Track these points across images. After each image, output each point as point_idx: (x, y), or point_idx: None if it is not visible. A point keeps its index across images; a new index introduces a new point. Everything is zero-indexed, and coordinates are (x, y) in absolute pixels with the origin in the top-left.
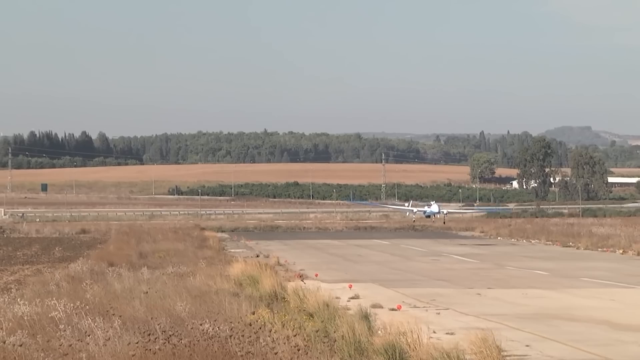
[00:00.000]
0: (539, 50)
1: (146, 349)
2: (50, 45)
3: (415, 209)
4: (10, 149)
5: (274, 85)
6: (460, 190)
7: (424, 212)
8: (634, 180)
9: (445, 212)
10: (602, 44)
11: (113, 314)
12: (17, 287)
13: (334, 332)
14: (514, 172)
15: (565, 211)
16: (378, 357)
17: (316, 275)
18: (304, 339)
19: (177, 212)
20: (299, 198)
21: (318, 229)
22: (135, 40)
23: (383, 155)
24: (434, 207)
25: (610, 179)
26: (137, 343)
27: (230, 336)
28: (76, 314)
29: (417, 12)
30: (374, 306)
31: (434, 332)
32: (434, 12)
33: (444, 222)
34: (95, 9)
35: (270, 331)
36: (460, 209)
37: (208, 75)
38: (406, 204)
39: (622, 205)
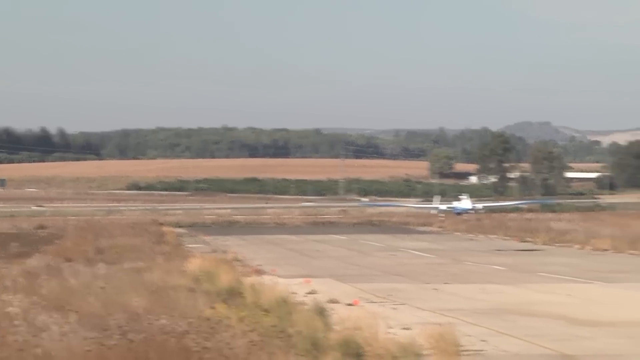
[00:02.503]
0: (498, 46)
1: (102, 345)
2: (7, 39)
3: (443, 206)
4: None
5: (233, 81)
6: (419, 186)
7: (454, 208)
8: (592, 175)
9: (480, 208)
10: (561, 40)
11: (69, 310)
12: None
13: (291, 327)
14: (472, 167)
15: (524, 206)
16: (334, 353)
17: (273, 270)
18: (261, 335)
19: (135, 208)
20: (257, 193)
21: (276, 224)
22: (94, 36)
23: (342, 150)
24: (466, 203)
25: (569, 174)
26: (93, 338)
27: (187, 331)
28: (32, 309)
29: (378, 7)
30: (331, 301)
31: (391, 327)
32: (395, 9)
33: (479, 219)
34: (54, 1)
35: (226, 326)
36: (420, 204)
37: (166, 71)
38: (434, 201)
39: (580, 200)
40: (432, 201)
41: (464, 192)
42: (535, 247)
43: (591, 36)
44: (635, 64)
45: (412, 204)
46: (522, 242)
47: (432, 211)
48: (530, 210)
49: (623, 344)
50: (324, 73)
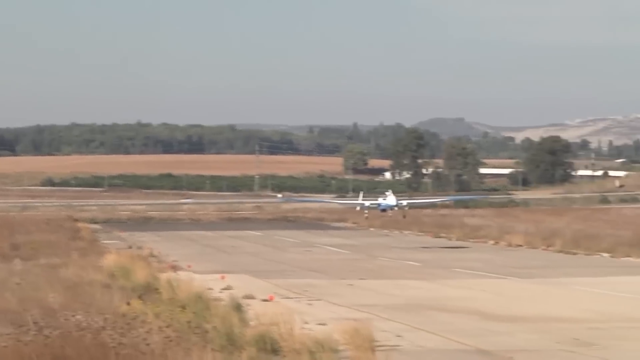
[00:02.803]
0: (410, 42)
1: (18, 341)
2: None
3: (367, 203)
4: None
5: (147, 76)
6: (333, 182)
7: (379, 205)
8: (506, 171)
9: (405, 205)
10: (474, 38)
11: None
12: None
13: (207, 323)
14: (386, 163)
15: (438, 202)
16: (250, 348)
17: (189, 266)
18: (177, 330)
19: (50, 204)
20: (172, 189)
21: (191, 220)
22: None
23: (257, 146)
24: (391, 199)
25: (483, 170)
26: (9, 334)
27: (103, 327)
28: None
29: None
30: (247, 297)
31: (306, 322)
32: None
33: (404, 217)
34: None
35: (143, 322)
36: (344, 200)
37: (79, 66)
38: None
39: (494, 197)
40: (356, 197)
41: (388, 189)
42: (456, 243)
43: (504, 34)
44: (548, 62)
45: (337, 200)
46: (436, 237)
47: (357, 207)
48: (444, 206)
49: (538, 338)
50: (236, 68)
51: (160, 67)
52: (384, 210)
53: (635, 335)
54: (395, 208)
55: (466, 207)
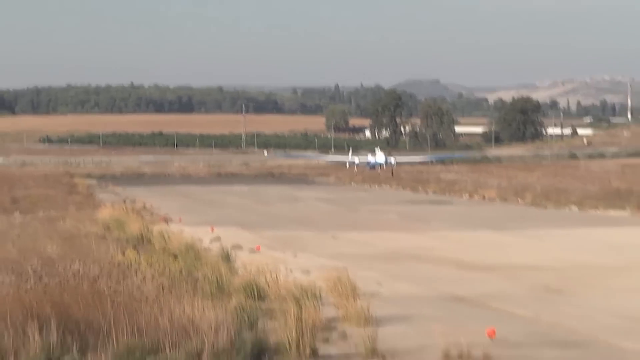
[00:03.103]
0: (388, 7)
1: (19, 288)
2: None
3: (357, 160)
4: None
5: (139, 39)
6: (316, 139)
7: (368, 162)
8: (479, 129)
9: (393, 162)
10: (448, 2)
11: None
12: None
13: (197, 272)
14: (366, 122)
15: (415, 159)
16: (238, 295)
17: (180, 219)
18: (169, 279)
19: (48, 160)
20: (164, 147)
21: (182, 175)
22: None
23: (243, 106)
24: (380, 157)
25: (458, 129)
26: (10, 283)
27: (99, 276)
28: None
29: None
30: (235, 247)
31: (291, 271)
32: None
33: (392, 174)
34: None
35: (136, 271)
36: (335, 158)
37: (75, 30)
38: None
39: (467, 153)
40: (342, 154)
41: (378, 146)
42: (441, 198)
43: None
44: (519, 25)
45: (329, 158)
46: (414, 192)
47: (347, 165)
48: (421, 162)
49: (510, 286)
50: (224, 33)
51: (152, 31)
52: (373, 167)
53: (601, 282)
54: (384, 165)
55: (442, 163)
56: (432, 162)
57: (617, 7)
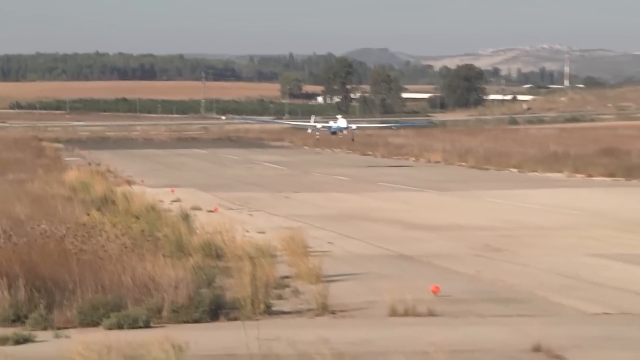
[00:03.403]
0: None
1: None
2: None
3: (319, 125)
4: None
5: (105, 9)
6: (271, 105)
7: (329, 127)
8: (425, 96)
9: (354, 128)
10: None
11: None
12: None
13: (158, 231)
14: (319, 88)
15: (365, 124)
16: (197, 253)
17: (142, 181)
18: (132, 238)
19: (18, 125)
20: (127, 112)
21: (144, 140)
22: None
23: (203, 74)
24: (341, 122)
25: (405, 95)
26: None
27: (65, 235)
28: None
29: None
30: (194, 208)
31: (247, 231)
32: None
33: (353, 139)
34: None
35: (101, 231)
36: (299, 122)
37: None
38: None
39: (415, 118)
40: (297, 119)
41: (339, 114)
42: (388, 161)
43: None
44: None
45: (293, 122)
46: (363, 155)
47: (309, 130)
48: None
49: (453, 245)
50: (185, 3)
51: (117, 1)
52: (334, 132)
53: (539, 242)
54: (345, 131)
55: (391, 128)
56: (393, 128)
57: None
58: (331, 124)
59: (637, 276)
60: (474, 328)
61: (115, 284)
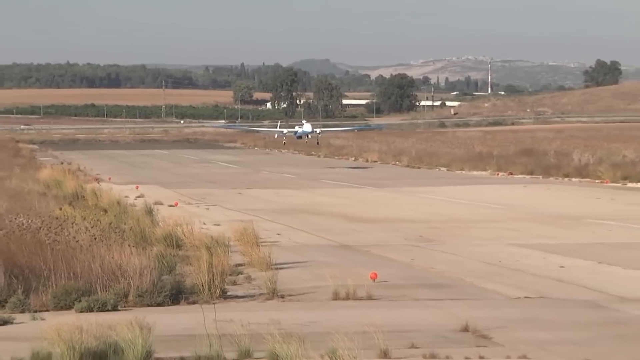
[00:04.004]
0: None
1: None
2: None
3: (285, 130)
4: None
5: (75, 24)
6: (225, 110)
7: (295, 132)
8: (363, 102)
9: (318, 132)
10: None
11: None
12: None
13: (124, 224)
14: (268, 95)
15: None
16: (159, 244)
17: (109, 178)
18: (100, 230)
19: None
20: (95, 116)
21: (111, 141)
22: None
23: (163, 82)
24: (307, 127)
25: (345, 101)
26: None
27: (40, 228)
28: None
29: None
30: (156, 203)
31: (204, 223)
32: None
33: (318, 143)
34: None
35: (72, 224)
36: (225, 125)
37: (20, 14)
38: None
39: (353, 122)
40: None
41: (303, 119)
42: (330, 160)
43: None
44: (397, 12)
45: (263, 128)
46: (308, 155)
47: (276, 135)
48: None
49: (390, 236)
50: (148, 18)
51: (86, 17)
52: (300, 137)
53: (466, 233)
54: (310, 135)
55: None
56: (355, 130)
57: (480, 2)
58: (297, 128)
59: (553, 263)
60: (408, 310)
61: (85, 272)
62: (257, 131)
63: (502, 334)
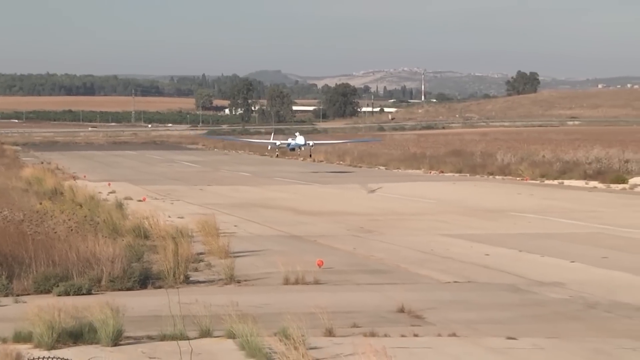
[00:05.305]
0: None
1: None
2: None
3: (277, 142)
4: None
5: (55, 37)
6: (188, 116)
7: (288, 144)
8: (311, 108)
9: (311, 144)
10: (285, 11)
11: None
12: None
13: (98, 217)
14: (226, 102)
15: (263, 130)
16: (129, 234)
17: (84, 176)
18: (76, 222)
19: None
20: (72, 121)
21: (86, 143)
22: None
23: (133, 90)
24: (299, 139)
25: (295, 108)
26: None
27: (23, 220)
28: None
29: None
30: (126, 198)
31: (169, 216)
32: None
33: (310, 155)
34: None
35: (51, 217)
36: (262, 140)
37: (4, 27)
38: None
39: (302, 126)
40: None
41: (296, 131)
42: (281, 160)
43: (308, 8)
44: (341, 28)
45: (255, 139)
46: (261, 155)
47: (269, 147)
48: (267, 133)
49: (334, 227)
50: (120, 33)
51: (64, 31)
52: (292, 149)
53: (402, 224)
54: (302, 148)
55: (283, 133)
56: (347, 143)
57: (412, 19)
58: (289, 140)
59: (479, 252)
60: (351, 294)
61: (63, 259)
62: (250, 142)
63: (434, 314)
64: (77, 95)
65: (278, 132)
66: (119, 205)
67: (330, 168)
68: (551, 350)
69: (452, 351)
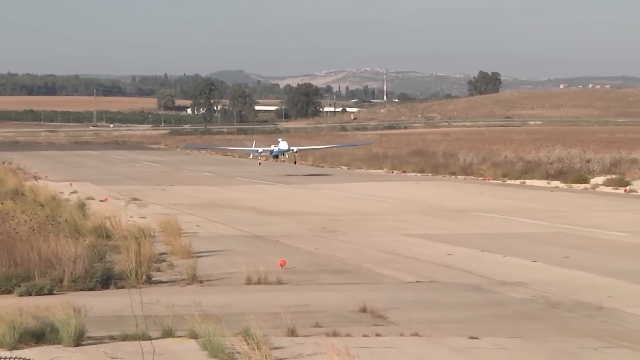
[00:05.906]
0: (207, 12)
1: None
2: None
3: (260, 149)
4: None
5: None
6: (150, 115)
7: (271, 151)
8: (273, 108)
9: (295, 150)
10: (248, 11)
11: None
12: None
13: (59, 217)
14: (189, 102)
15: (225, 130)
16: (90, 235)
17: (46, 176)
18: (38, 222)
19: None
20: (34, 121)
21: (48, 143)
22: None
23: (95, 90)
24: (283, 145)
25: (257, 107)
26: None
27: None
28: None
29: None
30: (88, 198)
31: (131, 216)
32: None
33: (295, 162)
34: None
35: (13, 217)
36: (244, 148)
37: None
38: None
39: (264, 126)
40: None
41: (280, 137)
42: (243, 160)
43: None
44: (303, 29)
45: (236, 147)
46: (224, 155)
47: (251, 155)
48: (229, 133)
49: (297, 227)
50: (81, 32)
51: (24, 30)
52: (276, 156)
53: (365, 224)
54: (287, 154)
55: (245, 133)
56: (332, 148)
57: (374, 19)
58: (272, 147)
59: (441, 251)
60: (313, 293)
61: (25, 259)
62: (233, 150)
63: (396, 314)
64: (39, 95)
65: (240, 132)
66: (81, 206)
67: (293, 169)
68: (513, 349)
69: (415, 351)
